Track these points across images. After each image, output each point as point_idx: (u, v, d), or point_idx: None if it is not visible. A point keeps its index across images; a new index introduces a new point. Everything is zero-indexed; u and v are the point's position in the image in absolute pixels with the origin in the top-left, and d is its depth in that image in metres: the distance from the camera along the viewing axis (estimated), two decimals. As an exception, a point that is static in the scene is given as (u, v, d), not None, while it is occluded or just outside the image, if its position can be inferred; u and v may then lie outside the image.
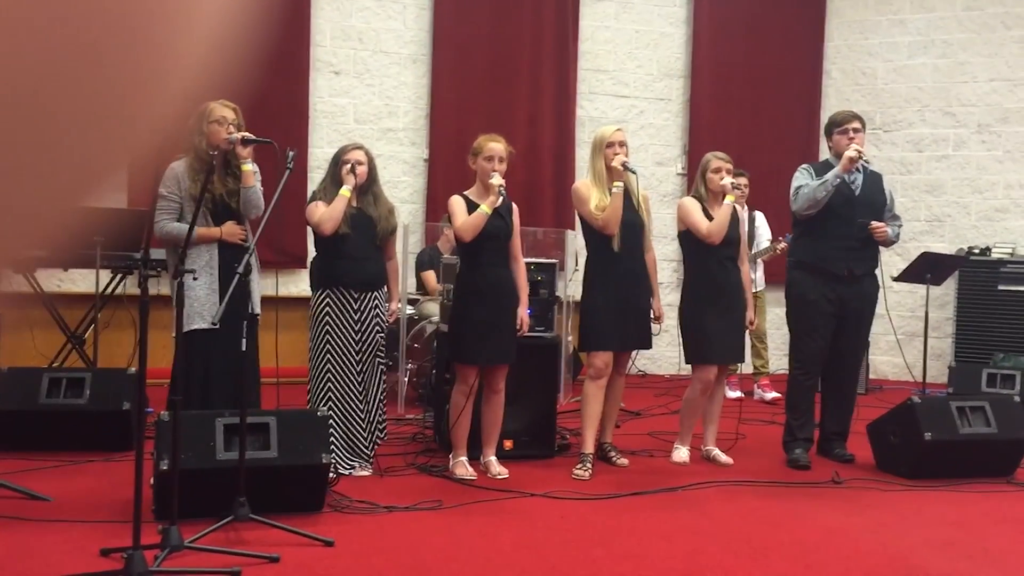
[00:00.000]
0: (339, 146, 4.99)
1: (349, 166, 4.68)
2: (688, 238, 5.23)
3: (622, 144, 4.95)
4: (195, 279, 4.29)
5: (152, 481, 3.78)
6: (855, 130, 5.26)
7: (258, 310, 4.53)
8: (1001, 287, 8.36)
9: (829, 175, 5.15)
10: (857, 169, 5.23)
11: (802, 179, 5.31)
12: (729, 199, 5.09)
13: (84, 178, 0.46)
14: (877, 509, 4.41)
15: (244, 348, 3.89)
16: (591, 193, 4.97)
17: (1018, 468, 5.08)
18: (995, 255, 8.45)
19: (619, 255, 4.92)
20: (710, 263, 5.17)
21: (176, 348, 4.30)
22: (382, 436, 4.91)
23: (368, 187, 4.82)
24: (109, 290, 6.44)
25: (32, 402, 4.99)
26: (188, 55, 0.46)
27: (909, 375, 7.89)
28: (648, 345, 5.28)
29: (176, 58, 0.45)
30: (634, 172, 4.93)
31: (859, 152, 5.10)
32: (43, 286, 6.63)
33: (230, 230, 4.50)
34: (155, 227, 4.41)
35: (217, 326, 3.87)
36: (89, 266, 6.17)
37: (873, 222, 5.24)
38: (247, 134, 4.35)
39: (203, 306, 4.38)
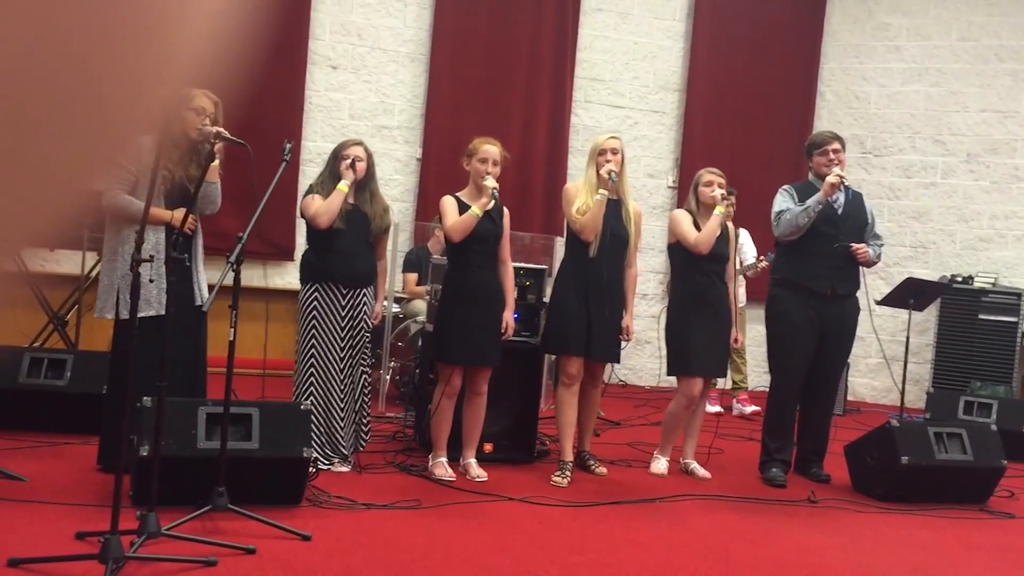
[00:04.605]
0: (333, 140, 4.99)
1: (349, 161, 4.67)
2: (677, 250, 5.25)
3: (614, 152, 4.97)
4: (152, 263, 4.05)
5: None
6: (835, 151, 5.24)
7: (200, 302, 4.36)
8: (982, 316, 8.44)
9: (811, 201, 5.13)
10: (840, 189, 5.22)
11: (783, 202, 5.29)
12: (719, 210, 5.11)
13: (81, 171, 0.46)
14: (851, 530, 4.45)
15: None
16: (578, 196, 5.00)
17: (991, 496, 5.14)
18: (977, 284, 8.53)
19: (593, 261, 4.93)
20: (698, 276, 5.18)
21: (124, 334, 4.04)
22: (365, 438, 4.89)
23: (365, 184, 4.81)
24: (94, 272, 6.40)
25: (11, 381, 4.97)
26: (184, 50, 0.46)
27: (887, 398, 7.95)
28: (614, 359, 5.25)
29: (172, 53, 0.46)
30: (613, 181, 4.89)
31: (840, 177, 5.10)
32: (28, 265, 6.57)
33: (188, 221, 4.20)
34: (104, 195, 4.21)
35: (205, 311, 3.83)
36: (75, 247, 6.14)
37: (853, 244, 5.25)
38: (222, 130, 4.20)
39: (149, 292, 4.19)
